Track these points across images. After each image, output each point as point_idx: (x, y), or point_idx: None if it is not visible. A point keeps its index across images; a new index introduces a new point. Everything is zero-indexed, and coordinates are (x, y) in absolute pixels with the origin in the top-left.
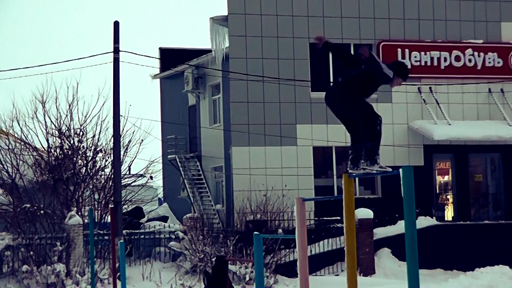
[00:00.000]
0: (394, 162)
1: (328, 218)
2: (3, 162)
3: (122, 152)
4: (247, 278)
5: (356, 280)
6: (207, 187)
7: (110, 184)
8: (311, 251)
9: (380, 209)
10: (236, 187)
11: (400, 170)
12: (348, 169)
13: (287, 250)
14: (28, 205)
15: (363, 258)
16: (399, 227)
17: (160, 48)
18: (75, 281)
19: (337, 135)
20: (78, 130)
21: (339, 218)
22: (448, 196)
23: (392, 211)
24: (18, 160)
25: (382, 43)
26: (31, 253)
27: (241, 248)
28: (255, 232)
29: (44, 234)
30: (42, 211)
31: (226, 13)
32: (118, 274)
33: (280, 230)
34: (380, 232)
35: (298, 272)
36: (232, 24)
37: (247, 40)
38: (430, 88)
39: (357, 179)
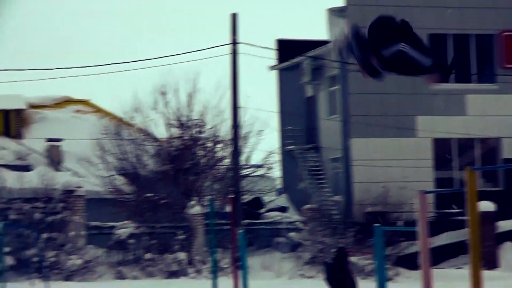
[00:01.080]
0: None
1: (449, 211)
2: (126, 153)
3: (241, 143)
4: (367, 270)
5: (480, 274)
6: (326, 178)
7: (230, 174)
8: (432, 243)
9: (503, 202)
10: (355, 179)
11: None
12: None
13: (408, 242)
14: (150, 195)
15: (485, 252)
16: None
17: (277, 40)
18: (197, 269)
19: (458, 127)
20: (198, 121)
21: (460, 210)
22: None
23: None
24: (140, 151)
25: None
26: (154, 241)
27: (360, 240)
28: (375, 224)
29: (166, 223)
30: (163, 201)
31: (343, 4)
32: (238, 263)
33: (400, 222)
34: (503, 225)
35: (420, 264)
36: (350, 15)
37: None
38: None
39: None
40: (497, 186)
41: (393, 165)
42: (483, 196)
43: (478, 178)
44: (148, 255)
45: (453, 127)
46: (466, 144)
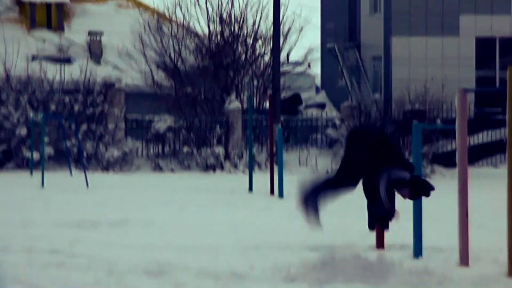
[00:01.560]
0: None
1: (489, 110)
2: (166, 48)
3: (281, 40)
4: None
5: None
6: (366, 76)
7: (269, 71)
8: (469, 142)
9: None
10: (395, 77)
11: None
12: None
13: (445, 140)
14: (189, 90)
15: None
16: None
17: None
18: (233, 163)
19: (502, 25)
20: (239, 17)
21: (500, 109)
22: None
23: None
24: (180, 46)
25: None
26: (192, 135)
27: (398, 138)
28: (414, 122)
29: (204, 117)
30: (202, 96)
31: None
32: (275, 158)
33: (438, 120)
34: None
35: (456, 162)
36: None
37: None
38: None
39: None
40: None
41: (434, 63)
42: None
43: None
44: (185, 149)
45: (497, 26)
46: (509, 43)
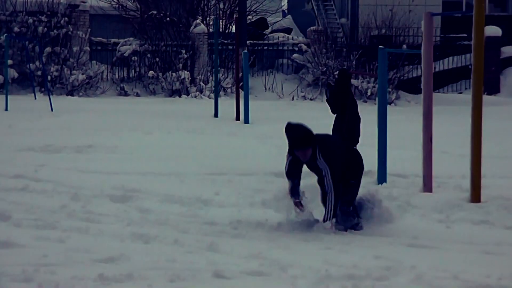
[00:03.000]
0: None
1: (455, 35)
2: None
3: None
4: (369, 93)
5: (481, 98)
6: (332, 0)
7: None
8: (435, 68)
9: (510, 28)
10: (362, 1)
11: None
12: None
13: (411, 66)
14: (155, 12)
15: (488, 77)
16: None
17: None
18: (199, 88)
19: None
20: None
21: (466, 35)
22: None
23: None
24: None
25: None
26: (157, 59)
27: (364, 63)
28: (380, 46)
29: (170, 41)
30: (168, 19)
31: None
32: (241, 83)
33: (404, 46)
34: (508, 51)
35: (421, 88)
36: None
37: None
38: None
39: None
40: (505, 11)
41: None
42: (490, 21)
43: (487, 2)
44: (151, 73)
45: None
46: None
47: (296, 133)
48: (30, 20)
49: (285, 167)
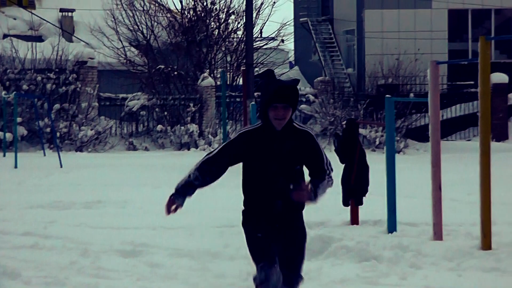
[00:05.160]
0: None
1: (462, 83)
2: (138, 24)
3: (254, 15)
4: (377, 142)
5: (489, 145)
6: (339, 50)
7: (242, 46)
8: (442, 116)
9: None
10: (368, 51)
11: None
12: None
13: (418, 114)
14: (162, 66)
15: (496, 124)
16: None
17: None
18: (208, 141)
19: None
20: None
21: (472, 82)
22: None
23: None
24: (152, 22)
25: None
26: (165, 113)
27: (372, 112)
28: (386, 95)
29: (178, 95)
30: (175, 72)
31: None
32: None
33: (411, 95)
34: None
35: (429, 136)
36: None
37: None
38: None
39: (493, 42)
40: (511, 57)
41: (407, 37)
42: (496, 68)
43: (492, 49)
44: (159, 127)
45: None
46: (481, 15)
47: (286, 81)
48: (39, 78)
49: (214, 151)
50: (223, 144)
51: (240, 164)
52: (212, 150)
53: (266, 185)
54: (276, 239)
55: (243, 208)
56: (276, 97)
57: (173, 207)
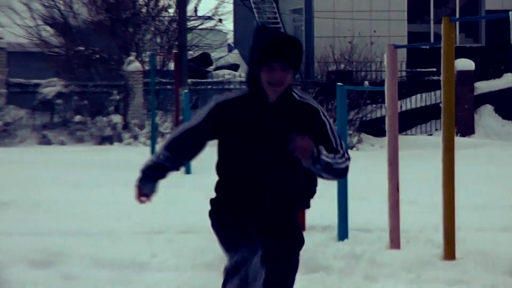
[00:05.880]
0: (502, 5)
1: (423, 70)
2: None
3: None
4: None
5: (453, 140)
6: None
7: (174, 26)
8: (401, 107)
9: (483, 60)
10: (317, 33)
11: (510, 13)
12: None
13: (374, 105)
14: (82, 48)
15: (461, 116)
16: (504, 81)
17: None
18: (133, 134)
19: None
20: None
21: (435, 69)
22: None
23: (497, 62)
24: None
25: None
26: (85, 102)
27: (321, 102)
28: (338, 83)
29: (100, 81)
30: (97, 55)
31: None
32: None
33: (366, 83)
34: (482, 87)
35: (386, 130)
36: None
37: None
38: None
39: (457, 24)
40: (478, 42)
41: (361, 17)
42: (461, 53)
43: (457, 32)
44: (78, 118)
45: None
46: None
47: (286, 35)
48: None
49: (184, 126)
50: (195, 117)
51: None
52: (181, 126)
53: (250, 175)
54: (260, 237)
55: (213, 196)
56: (272, 53)
57: (143, 197)
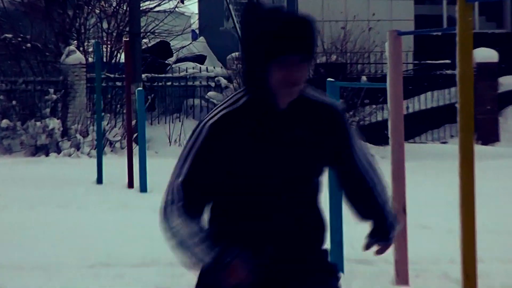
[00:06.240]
0: None
1: (434, 62)
2: None
3: None
4: None
5: (473, 149)
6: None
7: (125, 8)
8: (407, 108)
9: (509, 50)
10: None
11: None
12: None
13: (373, 106)
14: (10, 36)
15: (482, 119)
16: None
17: None
18: (75, 143)
19: None
20: None
21: (449, 61)
22: None
23: None
24: None
25: None
26: (14, 102)
27: None
28: (328, 79)
29: (32, 76)
30: (29, 44)
31: None
32: (135, 135)
33: (364, 78)
34: (508, 82)
35: (389, 137)
36: None
37: None
38: None
39: (476, 5)
40: (501, 27)
41: None
42: (481, 40)
43: (476, 15)
44: (4, 123)
45: None
46: None
47: (299, 14)
48: None
49: (180, 173)
50: (190, 155)
51: None
52: (173, 175)
53: (252, 215)
54: None
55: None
56: (289, 42)
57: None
